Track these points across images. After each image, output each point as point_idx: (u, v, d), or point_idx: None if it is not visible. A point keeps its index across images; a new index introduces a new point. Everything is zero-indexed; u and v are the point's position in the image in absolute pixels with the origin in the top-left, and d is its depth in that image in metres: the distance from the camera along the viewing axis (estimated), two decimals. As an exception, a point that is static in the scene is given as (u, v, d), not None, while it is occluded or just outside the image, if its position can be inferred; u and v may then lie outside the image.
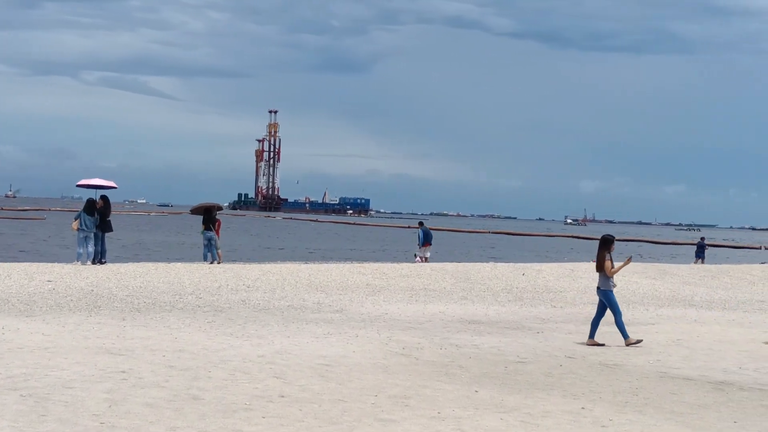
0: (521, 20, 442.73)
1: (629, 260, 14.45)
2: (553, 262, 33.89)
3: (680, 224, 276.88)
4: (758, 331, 15.82)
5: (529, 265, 29.91)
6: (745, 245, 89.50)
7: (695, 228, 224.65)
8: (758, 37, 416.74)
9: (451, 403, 8.61)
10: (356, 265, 27.50)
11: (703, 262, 41.12)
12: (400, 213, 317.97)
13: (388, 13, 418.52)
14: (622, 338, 13.40)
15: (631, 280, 25.70)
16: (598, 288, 13.71)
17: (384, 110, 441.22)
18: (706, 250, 45.09)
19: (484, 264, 29.53)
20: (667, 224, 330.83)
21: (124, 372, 9.28)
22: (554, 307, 19.30)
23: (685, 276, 28.19)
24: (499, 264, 29.67)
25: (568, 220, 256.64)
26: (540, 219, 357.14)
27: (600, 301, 13.72)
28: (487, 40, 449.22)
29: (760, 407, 9.04)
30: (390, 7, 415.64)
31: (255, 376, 9.43)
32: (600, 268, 13.57)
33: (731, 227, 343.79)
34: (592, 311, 18.71)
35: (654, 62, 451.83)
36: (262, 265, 26.49)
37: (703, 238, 46.79)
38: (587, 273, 26.98)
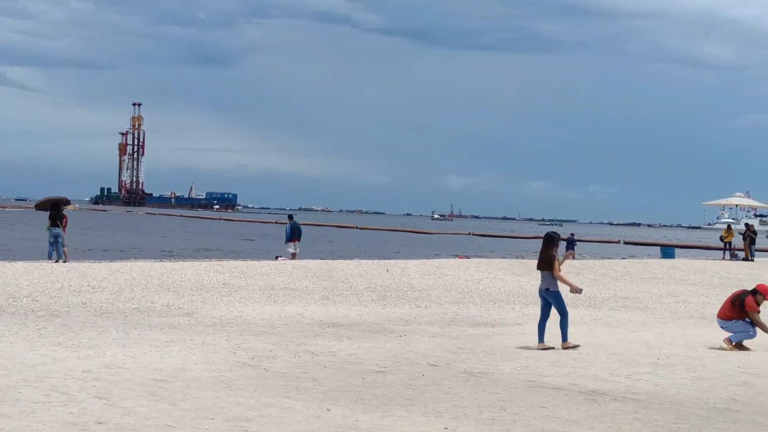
0: (390, 17, 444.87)
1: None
2: (419, 258, 33.27)
3: (543, 219, 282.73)
4: (624, 330, 15.38)
5: (393, 261, 29.16)
6: (606, 239, 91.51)
7: (557, 223, 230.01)
8: (616, 37, 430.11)
9: (298, 425, 7.57)
10: (214, 263, 26.17)
11: (574, 258, 41.49)
12: (268, 208, 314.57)
13: (257, 7, 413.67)
14: (561, 340, 12.69)
15: (497, 276, 25.23)
16: (545, 289, 12.83)
17: (252, 105, 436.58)
18: (575, 246, 45.50)
19: (348, 261, 28.64)
20: (530, 219, 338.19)
21: None
22: (419, 306, 18.52)
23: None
24: (363, 261, 28.81)
25: (435, 216, 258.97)
26: (408, 214, 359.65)
27: (544, 301, 12.95)
28: (355, 36, 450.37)
29: (635, 421, 8.32)
30: (258, 1, 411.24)
31: (73, 397, 8.17)
32: (548, 267, 12.72)
33: (591, 222, 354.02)
34: (458, 311, 18.06)
35: (518, 60, 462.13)
36: (112, 263, 24.86)
37: (573, 234, 47.14)
38: (453, 270, 26.40)
